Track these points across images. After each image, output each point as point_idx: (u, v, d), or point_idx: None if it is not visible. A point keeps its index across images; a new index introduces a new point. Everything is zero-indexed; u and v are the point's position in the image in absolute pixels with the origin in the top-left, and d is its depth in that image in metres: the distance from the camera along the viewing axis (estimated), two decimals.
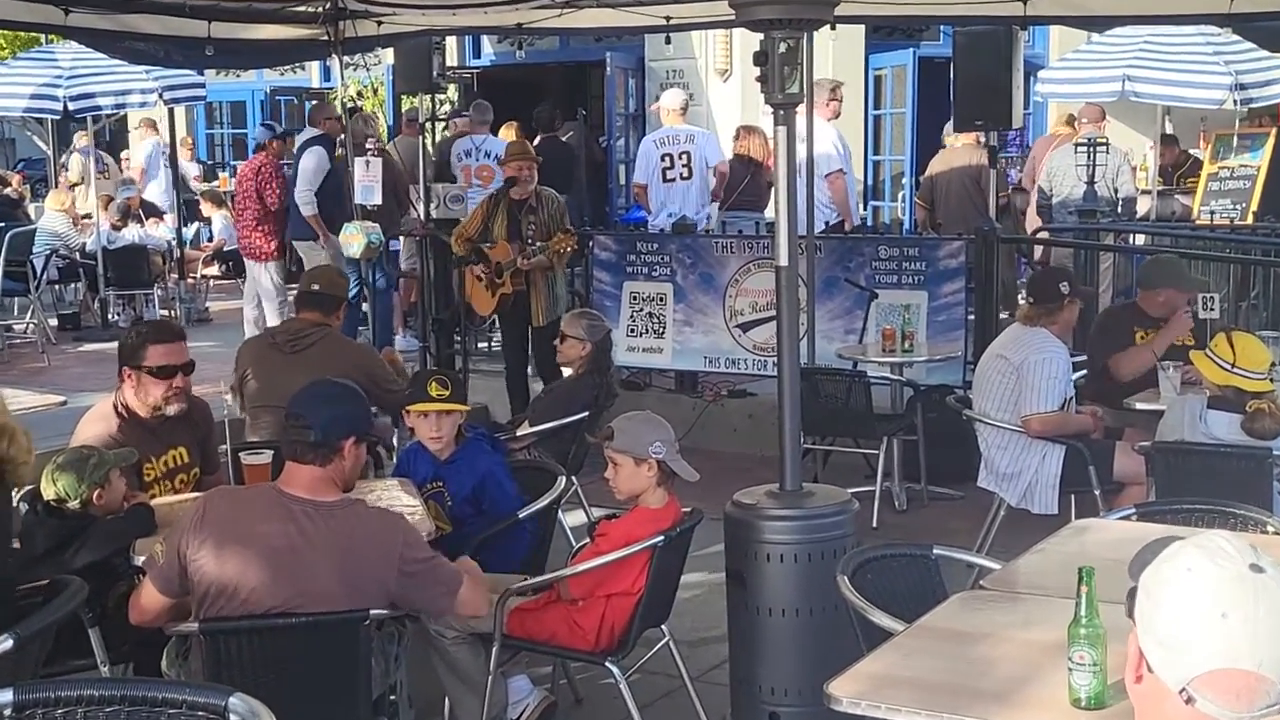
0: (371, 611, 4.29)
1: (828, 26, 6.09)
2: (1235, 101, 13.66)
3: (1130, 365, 7.65)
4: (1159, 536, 2.60)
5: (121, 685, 2.97)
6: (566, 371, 8.22)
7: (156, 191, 18.00)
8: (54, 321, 15.67)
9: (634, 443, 5.10)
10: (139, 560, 4.79)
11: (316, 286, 7.51)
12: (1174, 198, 14.81)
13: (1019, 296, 12.12)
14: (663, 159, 12.51)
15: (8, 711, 2.87)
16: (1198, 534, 2.34)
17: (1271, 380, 6.18)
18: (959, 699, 3.31)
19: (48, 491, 4.99)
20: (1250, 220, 13.25)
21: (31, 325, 15.03)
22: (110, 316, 15.38)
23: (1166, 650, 2.19)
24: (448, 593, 4.53)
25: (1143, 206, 14.37)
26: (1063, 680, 3.23)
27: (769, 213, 12.41)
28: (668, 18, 9.15)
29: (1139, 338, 7.83)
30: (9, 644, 3.05)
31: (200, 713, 2.88)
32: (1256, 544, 2.28)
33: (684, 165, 12.45)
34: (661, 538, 4.92)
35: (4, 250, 14.54)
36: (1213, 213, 13.49)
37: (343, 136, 11.91)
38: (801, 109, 7.96)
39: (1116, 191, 13.15)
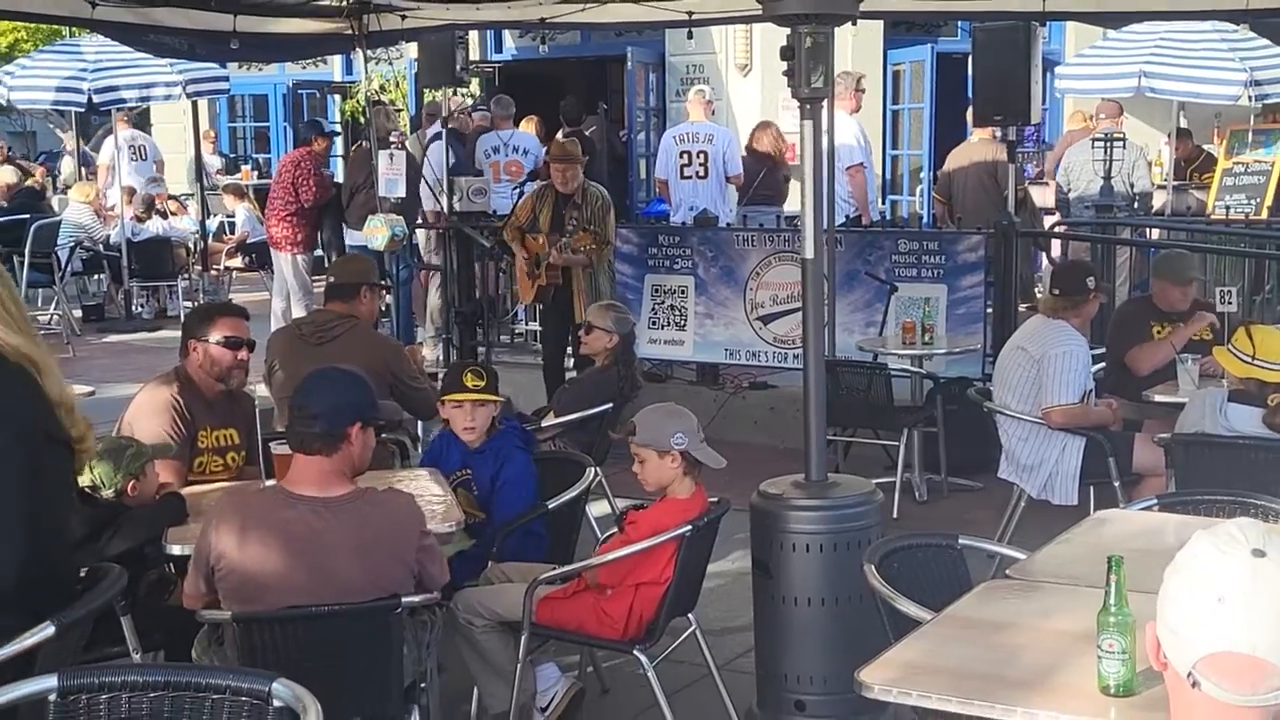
0: (403, 599, 4.31)
1: (849, 22, 6.09)
2: (1250, 97, 13.66)
3: (1149, 360, 7.65)
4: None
5: (165, 671, 2.99)
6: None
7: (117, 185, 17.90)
8: (78, 313, 15.68)
9: (655, 436, 5.09)
10: (172, 549, 4.81)
11: (334, 278, 7.58)
12: (1189, 192, 14.80)
13: (1036, 290, 12.14)
14: (681, 155, 12.54)
15: (53, 697, 2.89)
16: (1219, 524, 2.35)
17: None
18: (989, 686, 3.32)
19: (83, 478, 4.99)
20: (1265, 215, 13.23)
21: (56, 316, 15.04)
22: (134, 308, 15.44)
23: (1174, 636, 2.23)
24: (441, 562, 4.60)
25: (1157, 201, 14.36)
26: (1091, 668, 3.23)
27: (788, 207, 12.45)
28: (690, 13, 9.14)
29: (1155, 331, 7.83)
30: (50, 630, 3.06)
31: (244, 698, 2.89)
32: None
33: (700, 164, 12.48)
34: (689, 527, 4.93)
35: (29, 242, 14.59)
36: (1228, 207, 13.46)
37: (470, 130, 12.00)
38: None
39: (1133, 186, 13.15)
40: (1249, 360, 6.17)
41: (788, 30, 5.27)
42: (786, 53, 5.23)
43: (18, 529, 3.11)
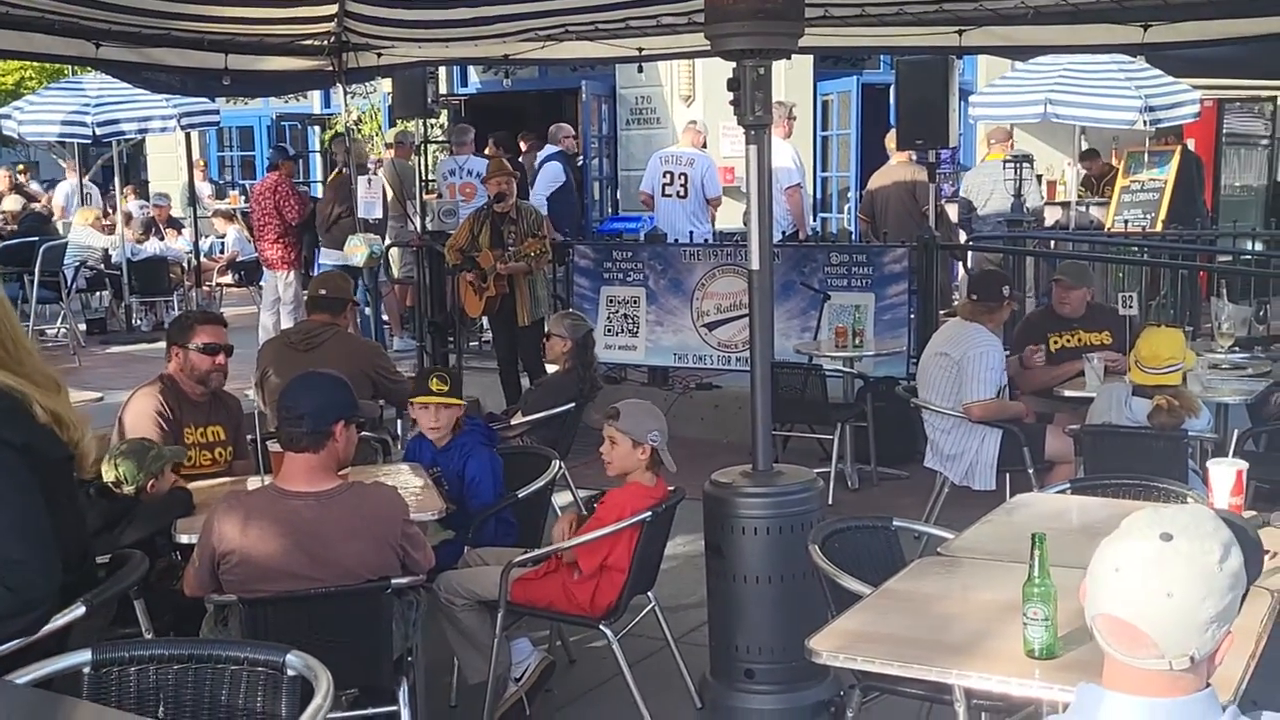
0: (393, 581, 4.33)
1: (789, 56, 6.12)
2: (1145, 122, 13.79)
3: (1029, 384, 7.72)
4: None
5: (189, 645, 2.99)
6: (551, 366, 8.24)
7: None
8: (83, 326, 15.64)
9: (636, 427, 5.16)
10: (181, 538, 4.81)
11: (324, 291, 7.61)
12: (1089, 209, 14.93)
13: (953, 297, 12.22)
14: (664, 175, 12.60)
15: (87, 670, 2.90)
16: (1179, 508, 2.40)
17: (1172, 373, 6.23)
18: (926, 652, 3.37)
19: (108, 474, 4.97)
20: (1159, 228, 13.38)
21: (63, 330, 15.03)
22: (134, 321, 15.38)
23: (1088, 590, 2.31)
24: (425, 548, 4.61)
25: (1053, 217, 14.52)
26: (1016, 634, 3.28)
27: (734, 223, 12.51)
28: (640, 49, 9.18)
29: (1052, 341, 7.89)
30: (81, 610, 3.07)
31: (260, 668, 2.90)
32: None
33: (681, 185, 12.53)
34: (650, 513, 4.97)
35: (38, 262, 14.57)
36: (1125, 221, 13.60)
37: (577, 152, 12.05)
38: None
39: (1024, 202, 13.29)
40: (1133, 362, 6.29)
41: (733, 65, 5.30)
42: (733, 84, 5.25)
43: (53, 544, 3.11)
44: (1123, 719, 2.24)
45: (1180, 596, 2.21)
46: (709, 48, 5.46)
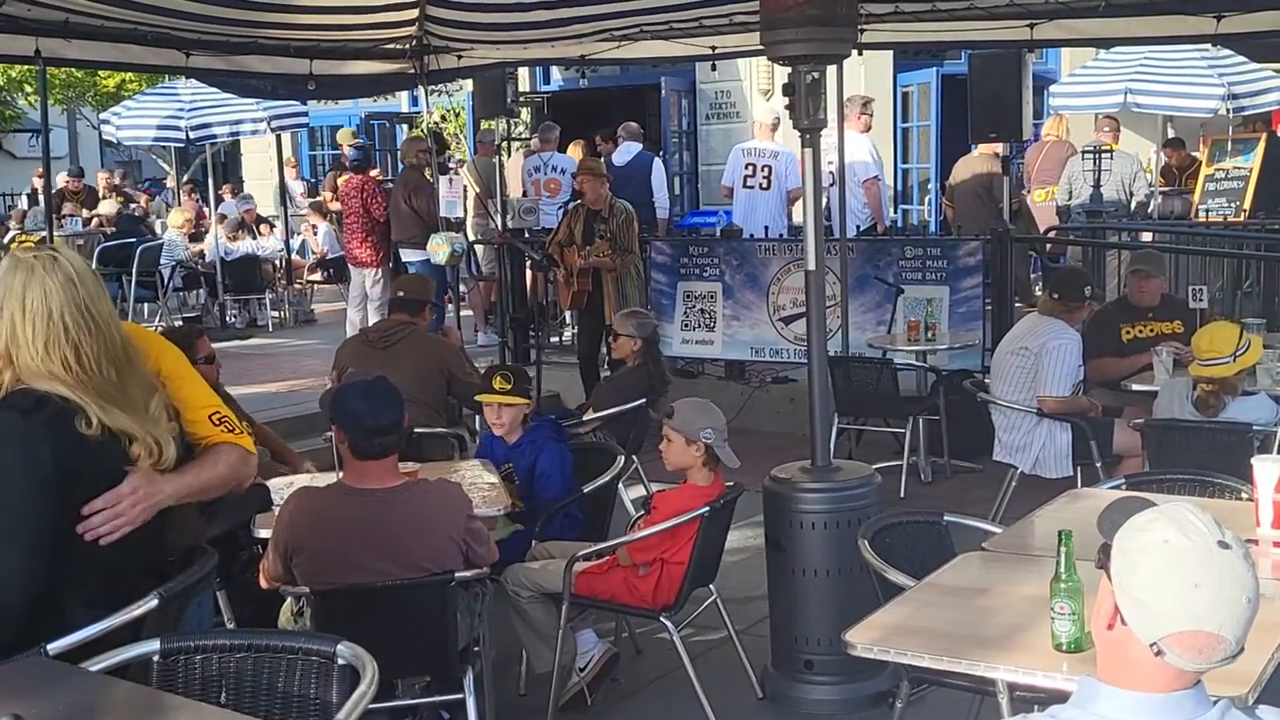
0: (456, 574, 4.50)
1: (843, 60, 6.21)
2: (1228, 110, 13.67)
3: (1102, 374, 7.75)
4: (1124, 497, 2.74)
5: (248, 635, 3.18)
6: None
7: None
8: (179, 323, 15.99)
9: (689, 425, 5.28)
10: (259, 533, 5.01)
11: (402, 293, 7.82)
12: (1176, 197, 14.77)
13: (1034, 289, 12.20)
14: (746, 167, 12.70)
15: (156, 658, 3.10)
16: (1169, 502, 2.45)
17: (1215, 365, 6.25)
18: (960, 645, 3.45)
19: None
20: (1243, 218, 13.24)
21: (160, 327, 15.37)
22: (228, 318, 15.74)
23: (1143, 610, 2.29)
24: (487, 542, 4.75)
25: (1169, 206, 14.36)
26: (1048, 628, 3.36)
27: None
28: (713, 47, 9.32)
29: (1124, 333, 7.90)
30: (154, 603, 3.24)
31: (314, 657, 3.08)
32: (1233, 509, 2.41)
33: (764, 177, 12.62)
34: (707, 508, 5.10)
35: (136, 263, 15.02)
36: (1209, 211, 13.48)
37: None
38: (834, 124, 8.10)
39: (1131, 195, 13.20)
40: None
41: (789, 69, 5.42)
42: (788, 89, 5.37)
43: (40, 554, 3.22)
44: (1118, 713, 2.31)
45: (1256, 600, 2.29)
46: None
